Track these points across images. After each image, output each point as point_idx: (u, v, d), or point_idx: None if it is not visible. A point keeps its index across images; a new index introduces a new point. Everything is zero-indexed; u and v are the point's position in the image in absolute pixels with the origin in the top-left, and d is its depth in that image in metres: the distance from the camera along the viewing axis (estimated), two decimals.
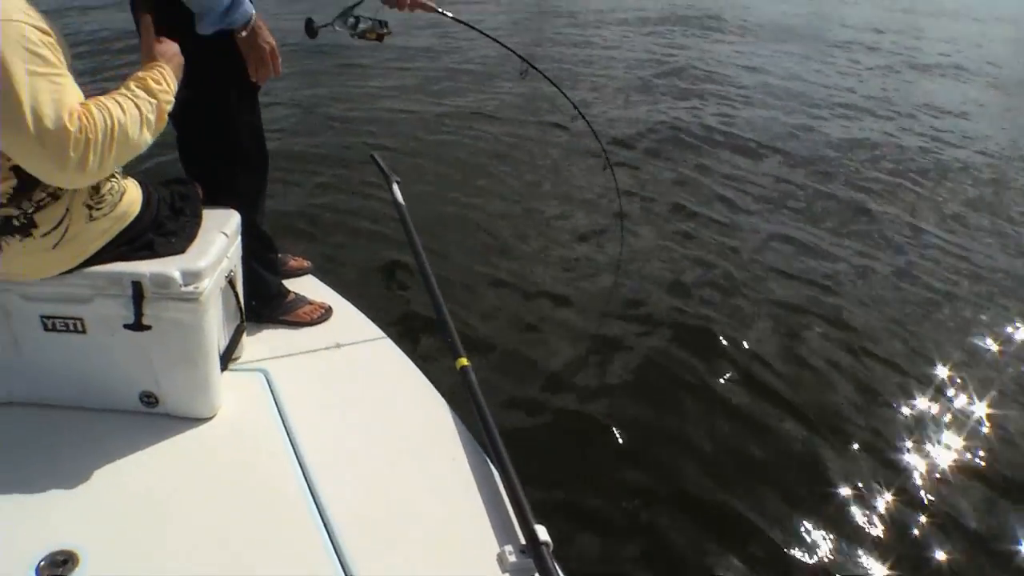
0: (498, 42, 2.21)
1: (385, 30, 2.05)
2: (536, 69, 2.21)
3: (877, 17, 14.04)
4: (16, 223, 1.28)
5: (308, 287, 2.14)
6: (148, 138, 1.32)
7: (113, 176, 1.39)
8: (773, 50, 9.34)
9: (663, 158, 4.82)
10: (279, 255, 2.10)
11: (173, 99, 1.38)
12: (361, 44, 2.03)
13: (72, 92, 1.20)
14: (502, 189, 4.07)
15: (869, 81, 8.09)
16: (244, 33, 1.70)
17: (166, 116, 1.36)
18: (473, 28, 2.19)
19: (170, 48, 1.44)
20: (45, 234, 1.30)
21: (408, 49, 7.26)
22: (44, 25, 1.20)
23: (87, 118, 1.20)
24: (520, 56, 2.20)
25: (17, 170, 1.24)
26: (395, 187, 2.09)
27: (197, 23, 1.62)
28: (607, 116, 5.61)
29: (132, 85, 1.32)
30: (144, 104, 1.30)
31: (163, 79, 1.37)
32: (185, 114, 1.73)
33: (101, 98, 1.25)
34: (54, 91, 1.16)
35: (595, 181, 4.14)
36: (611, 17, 10.74)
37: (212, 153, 1.79)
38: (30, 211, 1.28)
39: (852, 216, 4.18)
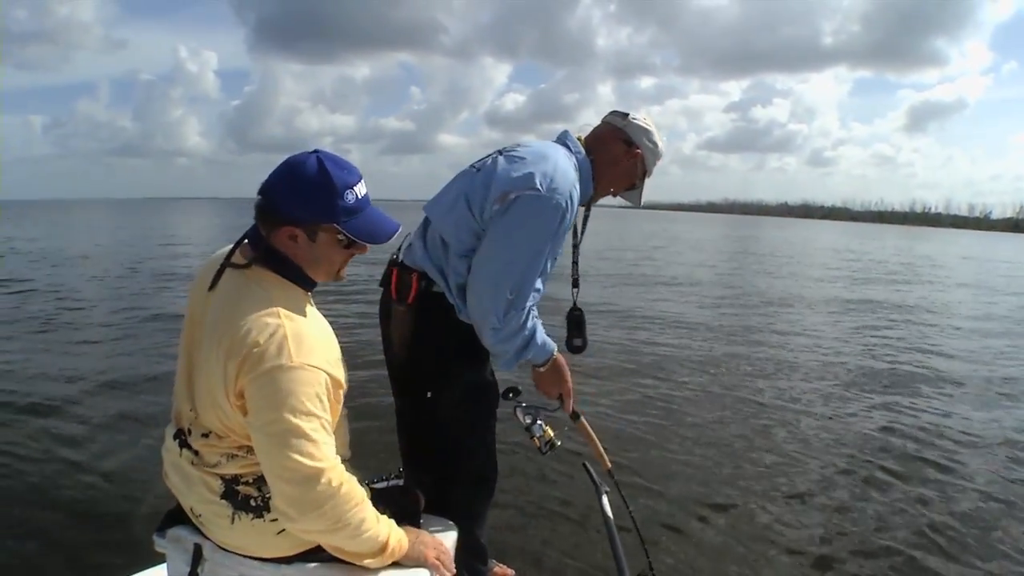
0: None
1: (548, 449, 2.05)
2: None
3: None
4: (252, 503, 1.39)
5: None
6: (349, 544, 1.36)
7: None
8: None
9: None
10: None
11: (372, 562, 1.42)
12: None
13: (332, 447, 1.29)
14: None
15: None
16: (542, 369, 1.87)
17: (350, 551, 1.38)
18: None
19: (434, 545, 1.52)
20: (274, 519, 1.38)
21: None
22: (341, 376, 1.35)
23: (344, 479, 1.29)
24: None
25: None
26: (604, 498, 2.10)
27: (492, 359, 1.82)
28: None
29: (381, 517, 1.41)
30: (373, 534, 1.37)
31: (398, 556, 1.44)
32: (424, 423, 1.87)
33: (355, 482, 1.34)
34: (324, 436, 1.26)
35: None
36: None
37: (445, 468, 1.88)
38: (268, 496, 1.36)
39: None
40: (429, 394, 1.82)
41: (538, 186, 1.68)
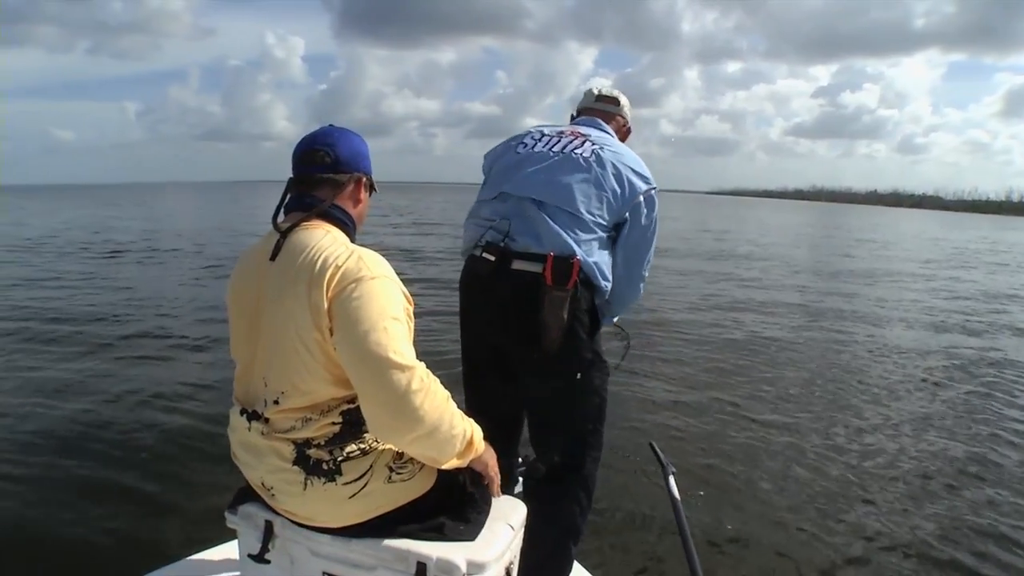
0: None
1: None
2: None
3: None
4: (324, 467, 1.38)
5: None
6: (443, 447, 1.36)
7: None
8: None
9: None
10: None
11: (457, 462, 1.43)
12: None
13: (413, 351, 1.35)
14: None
15: None
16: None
17: (445, 453, 1.39)
18: None
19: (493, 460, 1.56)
20: (347, 483, 1.38)
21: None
22: (408, 295, 1.42)
23: (431, 377, 1.33)
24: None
25: (345, 415, 1.37)
26: (671, 479, 2.07)
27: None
28: None
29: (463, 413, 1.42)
30: (462, 429, 1.39)
31: (478, 453, 1.46)
32: (564, 404, 1.93)
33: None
34: (408, 342, 1.34)
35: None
36: None
37: (582, 440, 1.93)
38: (339, 459, 1.38)
39: None
40: (579, 375, 1.87)
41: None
